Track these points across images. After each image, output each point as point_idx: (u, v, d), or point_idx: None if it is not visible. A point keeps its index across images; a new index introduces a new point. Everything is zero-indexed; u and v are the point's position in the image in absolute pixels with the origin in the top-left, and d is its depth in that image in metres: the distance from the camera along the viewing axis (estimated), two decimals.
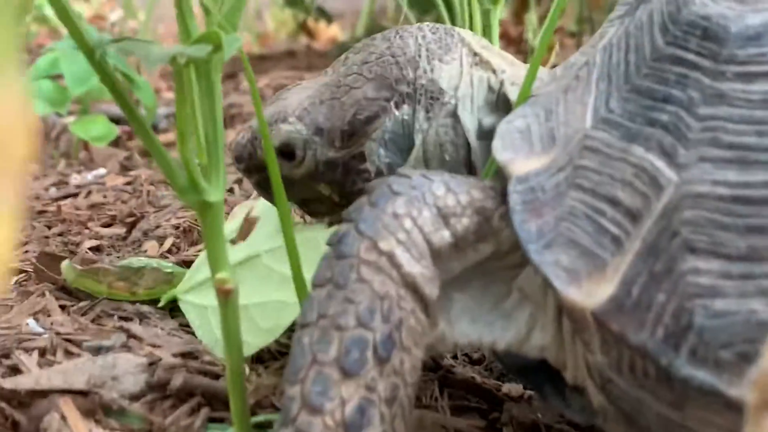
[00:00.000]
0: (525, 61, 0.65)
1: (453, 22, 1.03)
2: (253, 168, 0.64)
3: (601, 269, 0.45)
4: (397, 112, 0.62)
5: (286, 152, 0.62)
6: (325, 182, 0.63)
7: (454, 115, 0.61)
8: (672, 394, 0.43)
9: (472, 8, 0.95)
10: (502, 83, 0.61)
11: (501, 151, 0.52)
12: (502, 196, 0.51)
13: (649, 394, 0.44)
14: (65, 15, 0.46)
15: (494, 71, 0.61)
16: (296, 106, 0.62)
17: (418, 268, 0.48)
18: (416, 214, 0.49)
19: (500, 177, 0.53)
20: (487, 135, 0.60)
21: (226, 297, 0.51)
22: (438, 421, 0.62)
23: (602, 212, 0.46)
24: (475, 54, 0.62)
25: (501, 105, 0.60)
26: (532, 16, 1.19)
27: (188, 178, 0.49)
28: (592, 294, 0.44)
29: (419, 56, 0.62)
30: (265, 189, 0.64)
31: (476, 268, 0.53)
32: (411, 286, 0.48)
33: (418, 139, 0.61)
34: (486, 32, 0.94)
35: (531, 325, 0.52)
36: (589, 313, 0.44)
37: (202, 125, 0.49)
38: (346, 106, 0.61)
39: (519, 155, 0.51)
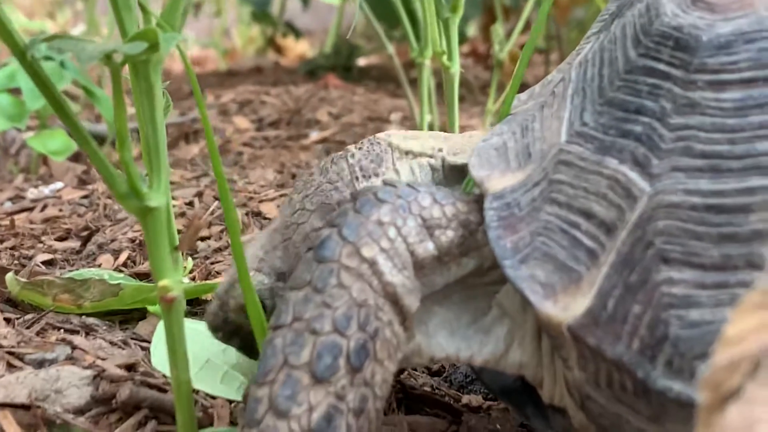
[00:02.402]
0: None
1: (417, 34, 1.04)
2: (230, 334, 0.60)
3: (577, 283, 0.43)
4: None
5: None
6: None
7: None
8: (650, 408, 0.41)
9: (432, 18, 0.96)
10: (443, 160, 0.61)
11: (477, 168, 0.52)
12: None
13: (628, 408, 0.43)
14: None
15: (430, 155, 0.62)
16: (252, 259, 0.61)
17: (399, 278, 0.47)
18: (401, 223, 0.48)
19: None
20: None
21: (170, 305, 0.48)
22: None
23: (577, 225, 0.45)
24: (407, 152, 0.62)
25: (450, 178, 0.61)
26: (498, 28, 1.19)
27: (129, 182, 0.46)
28: (567, 308, 0.43)
29: (356, 178, 0.61)
30: (249, 352, 0.61)
31: (457, 282, 0.51)
32: (391, 296, 0.47)
33: None
34: (447, 41, 0.95)
35: (509, 342, 0.51)
36: (565, 328, 0.43)
37: (142, 128, 0.47)
38: (297, 243, 0.60)
39: (495, 172, 0.51)
